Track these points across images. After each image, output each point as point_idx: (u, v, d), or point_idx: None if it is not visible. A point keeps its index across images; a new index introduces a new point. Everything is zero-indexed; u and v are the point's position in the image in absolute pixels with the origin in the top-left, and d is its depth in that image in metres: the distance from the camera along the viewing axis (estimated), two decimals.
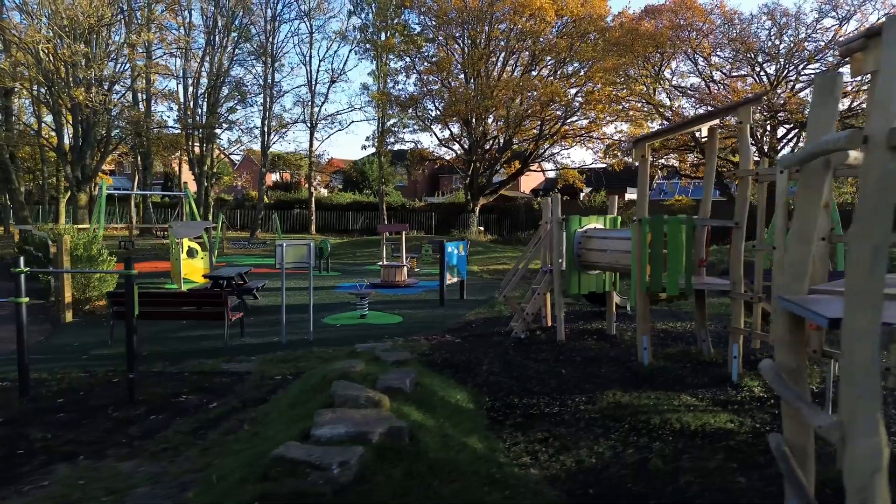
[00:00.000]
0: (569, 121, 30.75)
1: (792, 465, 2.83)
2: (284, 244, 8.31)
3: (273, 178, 63.46)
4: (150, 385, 6.58)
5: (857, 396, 2.26)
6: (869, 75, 3.05)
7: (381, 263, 14.80)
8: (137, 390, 6.21)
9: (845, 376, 2.28)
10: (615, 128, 30.63)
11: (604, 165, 34.68)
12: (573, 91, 29.33)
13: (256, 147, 38.80)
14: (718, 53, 24.81)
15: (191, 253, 15.49)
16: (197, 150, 33.11)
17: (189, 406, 5.88)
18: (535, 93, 27.15)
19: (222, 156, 49.79)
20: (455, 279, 12.24)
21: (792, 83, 24.39)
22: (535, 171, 39.82)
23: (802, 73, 24.17)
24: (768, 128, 25.39)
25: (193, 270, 15.11)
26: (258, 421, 5.16)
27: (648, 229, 6.74)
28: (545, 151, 32.97)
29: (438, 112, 30.24)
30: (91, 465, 4.49)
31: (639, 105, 27.04)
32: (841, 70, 21.85)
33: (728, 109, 6.15)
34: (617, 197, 9.98)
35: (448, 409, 5.00)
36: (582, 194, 40.35)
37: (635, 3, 56.11)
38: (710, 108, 24.82)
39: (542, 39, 27.56)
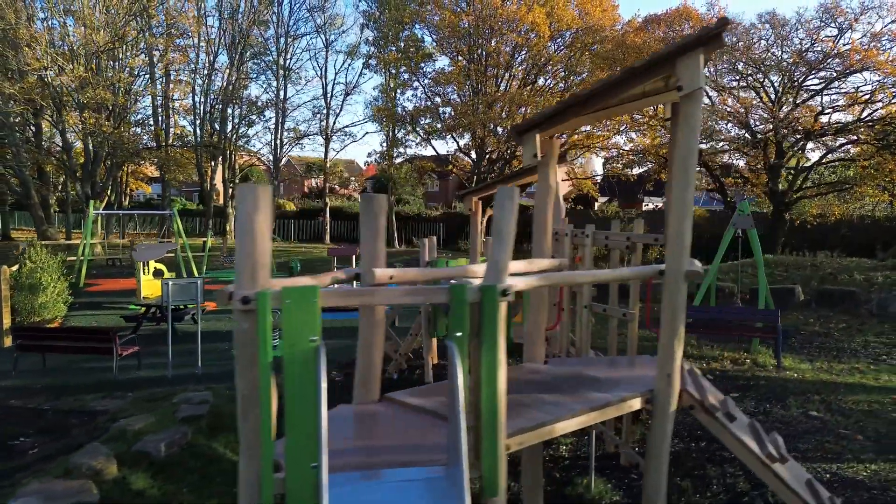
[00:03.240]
0: (579, 131, 30.50)
1: None
2: (171, 282, 8.67)
3: (313, 183, 64.64)
4: (7, 423, 7.01)
5: None
6: None
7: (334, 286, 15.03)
8: None
9: None
10: (627, 137, 30.23)
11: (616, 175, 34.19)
12: None
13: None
14: (717, 65, 24.13)
15: (158, 273, 16.13)
16: (205, 164, 34.17)
17: (16, 451, 6.23)
18: (528, 108, 27.01)
19: (257, 163, 50.69)
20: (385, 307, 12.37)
21: (793, 95, 23.55)
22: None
23: (804, 86, 23.34)
24: (773, 140, 24.60)
25: (158, 290, 15.72)
26: (37, 474, 5.46)
27: None
28: None
29: (441, 125, 30.42)
30: None
31: (639, 118, 26.54)
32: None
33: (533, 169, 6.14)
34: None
35: (204, 472, 5.19)
36: (597, 204, 39.83)
37: (645, 12, 54.84)
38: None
39: (537, 54, 27.39)
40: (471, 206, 6.86)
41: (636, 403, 3.30)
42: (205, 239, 30.47)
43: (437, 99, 30.87)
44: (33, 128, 29.76)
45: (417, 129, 31.04)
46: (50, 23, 23.84)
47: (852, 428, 6.85)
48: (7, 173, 27.01)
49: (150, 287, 15.62)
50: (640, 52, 22.91)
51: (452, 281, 2.28)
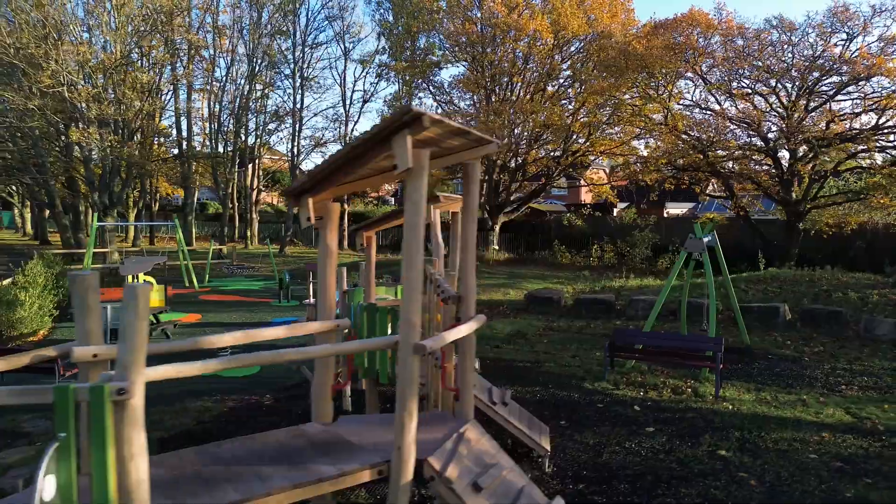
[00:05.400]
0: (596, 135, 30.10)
1: None
2: (110, 306, 8.97)
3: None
4: None
5: None
6: None
7: (306, 301, 15.33)
8: None
9: None
10: (645, 143, 29.76)
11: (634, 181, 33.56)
12: (607, 111, 28.66)
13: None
14: (719, 70, 23.52)
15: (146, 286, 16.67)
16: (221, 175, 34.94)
17: None
18: (533, 117, 26.77)
19: (286, 167, 51.54)
20: None
21: (805, 100, 22.75)
22: (559, 187, 39.12)
23: (815, 91, 22.51)
24: (787, 150, 23.81)
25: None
26: None
27: (366, 317, 6.84)
28: (565, 168, 32.36)
29: None
30: None
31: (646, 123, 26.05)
32: None
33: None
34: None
35: None
36: (615, 210, 39.17)
37: (661, 13, 53.56)
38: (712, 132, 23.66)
39: (539, 62, 27.14)
40: (363, 242, 6.91)
41: (365, 476, 3.29)
42: (220, 247, 31.26)
43: (447, 107, 30.89)
44: (64, 138, 31.11)
45: None
46: (68, 39, 24.75)
47: (754, 471, 6.63)
48: (31, 183, 28.31)
49: None
50: (643, 59, 22.50)
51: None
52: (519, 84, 29.33)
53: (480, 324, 4.01)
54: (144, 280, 16.59)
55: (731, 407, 8.75)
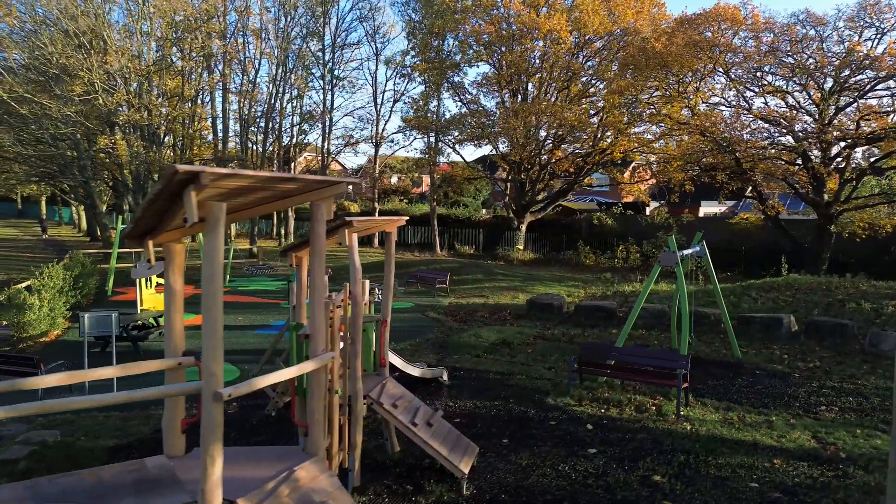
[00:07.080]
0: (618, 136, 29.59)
1: None
2: (87, 315, 9.43)
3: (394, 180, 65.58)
4: None
5: None
6: None
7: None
8: None
9: None
10: (667, 143, 29.08)
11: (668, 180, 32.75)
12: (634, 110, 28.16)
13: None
14: (746, 66, 22.70)
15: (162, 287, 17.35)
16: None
17: None
18: (555, 117, 26.44)
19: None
20: None
21: (836, 99, 21.73)
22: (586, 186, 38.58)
23: (846, 88, 21.47)
24: (817, 150, 22.82)
25: (159, 303, 16.89)
26: None
27: (294, 337, 6.99)
28: (592, 167, 31.86)
29: (465, 134, 30.50)
30: None
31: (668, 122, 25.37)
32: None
33: (334, 230, 6.28)
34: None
35: None
36: (648, 209, 38.23)
37: (692, 8, 51.54)
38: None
39: (557, 61, 26.75)
40: (292, 263, 7.05)
41: None
42: (251, 246, 32.11)
43: (473, 107, 30.86)
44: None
45: (447, 138, 31.28)
46: (111, 46, 25.82)
47: (682, 500, 6.47)
48: (75, 185, 29.78)
49: (151, 301, 16.81)
50: (662, 57, 21.95)
51: None
52: (541, 83, 29.04)
53: (320, 363, 4.09)
54: (157, 283, 17.27)
55: (689, 427, 8.51)
